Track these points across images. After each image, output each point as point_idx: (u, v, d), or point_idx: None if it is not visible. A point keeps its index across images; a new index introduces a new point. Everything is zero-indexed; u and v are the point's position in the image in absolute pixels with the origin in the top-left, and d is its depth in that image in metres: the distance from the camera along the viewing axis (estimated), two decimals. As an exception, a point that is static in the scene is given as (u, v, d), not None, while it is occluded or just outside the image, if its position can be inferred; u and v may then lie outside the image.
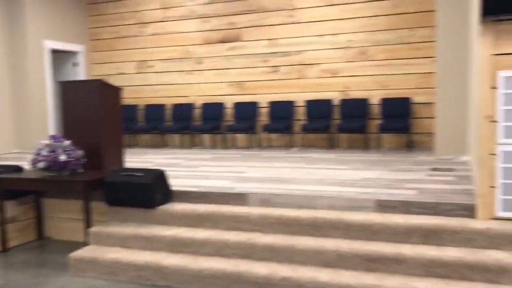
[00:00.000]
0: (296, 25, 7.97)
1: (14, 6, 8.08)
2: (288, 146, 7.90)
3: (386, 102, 7.40)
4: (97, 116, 4.65)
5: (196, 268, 3.54)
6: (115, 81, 9.22)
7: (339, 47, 7.73)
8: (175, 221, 4.10)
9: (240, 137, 8.42)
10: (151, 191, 4.12)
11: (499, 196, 3.40)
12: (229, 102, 8.49)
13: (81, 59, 9.21)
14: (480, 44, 3.40)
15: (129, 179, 4.20)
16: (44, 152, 4.31)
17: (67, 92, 4.75)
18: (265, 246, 3.59)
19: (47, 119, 8.47)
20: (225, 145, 8.36)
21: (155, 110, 8.85)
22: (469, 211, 3.53)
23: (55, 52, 8.96)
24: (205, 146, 8.52)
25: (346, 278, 3.22)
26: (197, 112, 8.68)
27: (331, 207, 3.88)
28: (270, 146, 8.16)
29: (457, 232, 3.35)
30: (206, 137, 8.64)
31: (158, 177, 4.21)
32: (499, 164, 3.39)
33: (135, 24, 9.07)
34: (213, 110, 8.49)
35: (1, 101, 8.03)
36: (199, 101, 8.69)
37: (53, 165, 4.27)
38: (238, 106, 8.33)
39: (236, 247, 3.67)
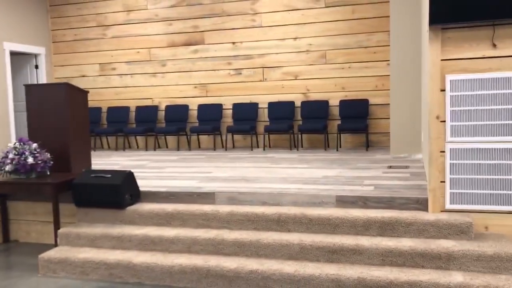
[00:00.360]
0: (258, 29, 8.19)
1: (-29, 7, 7.93)
2: (252, 147, 8.09)
3: (345, 104, 7.72)
4: (64, 119, 4.69)
5: (167, 264, 3.67)
6: (78, 84, 9.16)
7: (300, 50, 7.99)
8: (145, 220, 4.21)
9: (205, 139, 8.56)
10: (120, 192, 4.22)
11: (447, 190, 3.71)
12: (193, 104, 8.61)
13: (42, 62, 9.10)
14: (430, 49, 3.70)
15: (98, 180, 4.28)
16: (11, 155, 4.32)
17: (33, 95, 4.77)
18: (233, 241, 3.76)
19: (8, 122, 8.33)
20: (190, 147, 8.48)
21: (118, 113, 8.85)
22: (421, 204, 3.82)
23: (15, 54, 8.82)
24: (169, 148, 8.61)
25: (310, 269, 3.43)
26: (161, 114, 8.76)
27: (294, 204, 4.10)
28: (234, 147, 8.33)
29: (411, 223, 3.62)
30: (171, 139, 8.73)
31: (127, 178, 4.31)
32: (448, 161, 3.69)
33: (97, 26, 9.05)
34: (177, 112, 8.59)
35: (-41, 104, 7.86)
36: (163, 103, 8.77)
37: (20, 168, 4.30)
38: (202, 108, 8.47)
39: (205, 243, 3.82)
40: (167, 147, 8.73)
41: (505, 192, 3.57)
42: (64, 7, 9.20)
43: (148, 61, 8.81)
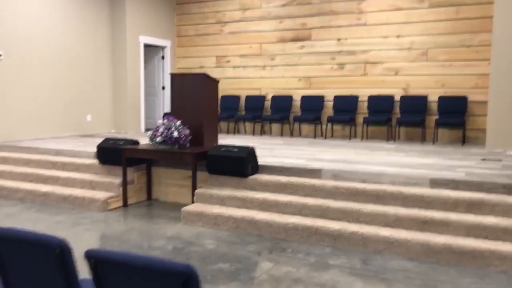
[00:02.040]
0: (363, 27, 8.78)
1: (116, 3, 9.41)
2: (350, 137, 8.75)
3: (444, 100, 8.09)
4: (200, 102, 5.74)
5: (282, 222, 4.54)
6: (196, 73, 10.40)
7: (402, 48, 8.48)
8: (263, 187, 5.12)
9: (306, 127, 9.36)
10: (245, 163, 5.16)
11: (534, 178, 4.16)
12: (297, 95, 9.44)
13: (167, 53, 10.45)
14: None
15: (228, 153, 5.26)
16: (161, 129, 5.45)
17: (177, 82, 5.88)
18: (337, 209, 4.54)
19: (140, 104, 9.78)
20: (292, 134, 9.33)
21: (230, 101, 9.94)
22: (507, 189, 4.31)
23: (147, 46, 10.24)
24: (273, 135, 9.53)
25: (403, 234, 4.11)
26: (267, 104, 9.70)
27: (392, 183, 4.76)
28: (333, 137, 9.04)
29: (496, 204, 4.14)
30: (275, 126, 9.65)
31: (250, 153, 5.24)
32: (535, 152, 4.14)
33: (216, 23, 10.19)
34: (282, 102, 9.48)
35: (104, 89, 9.41)
36: (270, 94, 9.70)
37: (168, 139, 5.41)
38: (305, 99, 9.27)
39: (314, 208, 4.63)
40: (270, 133, 9.67)
41: None
42: (188, 5, 10.46)
43: (259, 55, 9.79)
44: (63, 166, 6.39)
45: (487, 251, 3.77)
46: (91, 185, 5.90)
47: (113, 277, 1.73)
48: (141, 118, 9.86)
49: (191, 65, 10.55)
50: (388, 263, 3.88)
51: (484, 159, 5.94)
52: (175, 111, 5.86)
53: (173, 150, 5.42)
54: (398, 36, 8.51)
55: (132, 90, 9.59)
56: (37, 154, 6.91)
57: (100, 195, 5.62)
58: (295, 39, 9.41)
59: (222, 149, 5.35)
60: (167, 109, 10.49)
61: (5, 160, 6.84)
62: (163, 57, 10.45)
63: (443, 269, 3.76)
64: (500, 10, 6.79)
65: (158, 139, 5.44)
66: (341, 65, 9.03)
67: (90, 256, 1.74)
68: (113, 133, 9.34)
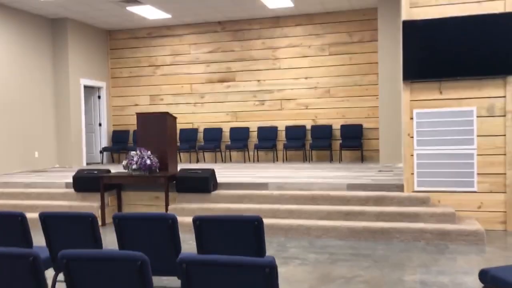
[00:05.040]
0: (278, 70, 10.69)
1: (59, 50, 10.33)
2: (274, 160, 10.47)
3: (345, 128, 10.19)
4: (163, 135, 7.05)
5: (245, 223, 5.99)
6: (131, 111, 11.53)
7: (310, 87, 10.49)
8: (224, 199, 6.54)
9: (235, 154, 10.93)
10: (208, 182, 6.56)
11: (415, 178, 6.12)
12: (226, 127, 11.00)
13: (103, 93, 11.47)
14: (403, 94, 6.17)
15: (194, 174, 6.62)
16: (135, 158, 6.65)
17: (142, 119, 7.13)
18: (285, 209, 6.11)
19: (82, 141, 10.64)
20: (225, 160, 10.84)
21: (166, 134, 11.18)
22: (399, 188, 6.23)
23: (85, 87, 11.18)
24: (207, 162, 10.95)
25: (333, 223, 5.78)
26: (200, 135, 11.12)
27: (320, 189, 6.48)
28: (259, 161, 10.71)
29: (394, 198, 6.02)
30: (208, 155, 11.08)
31: (212, 173, 6.66)
32: (415, 160, 6.12)
33: (149, 66, 11.48)
34: (213, 134, 10.97)
35: (48, 127, 10.17)
36: (202, 127, 11.15)
37: (142, 167, 6.63)
38: (233, 130, 10.87)
39: (267, 211, 6.16)
40: (204, 161, 11.07)
41: (448, 179, 6.00)
42: (121, 50, 11.64)
43: (190, 94, 11.24)
44: (38, 196, 7.23)
45: (390, 229, 5.58)
46: (71, 210, 6.85)
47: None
48: (83, 153, 10.71)
49: (125, 103, 11.66)
50: (326, 243, 5.52)
51: (380, 171, 7.96)
52: (142, 143, 7.09)
53: (146, 175, 6.65)
54: (306, 78, 10.53)
55: (74, 127, 10.46)
56: (6, 187, 7.62)
57: (83, 217, 6.60)
58: (221, 80, 11.04)
59: (188, 172, 6.71)
60: (104, 144, 11.43)
61: (-25, 195, 7.45)
62: (99, 97, 11.44)
63: (364, 243, 5.48)
64: (381, 57, 9.05)
65: (134, 166, 6.63)
66: (262, 102, 10.81)
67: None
68: (57, 168, 10.09)
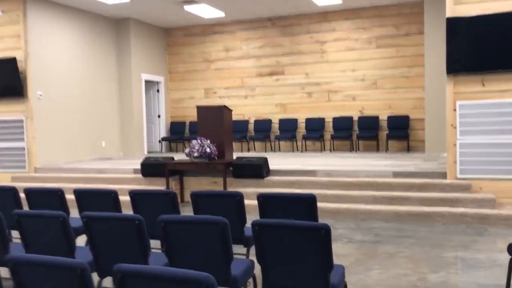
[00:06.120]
0: (325, 64, 11.12)
1: (122, 48, 11.21)
2: (321, 150, 10.95)
3: (391, 119, 10.51)
4: (221, 125, 7.70)
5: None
6: (187, 104, 12.32)
7: (357, 79, 10.87)
8: (276, 185, 7.13)
9: (283, 144, 11.49)
10: (261, 169, 7.16)
11: (458, 166, 6.47)
12: (275, 118, 11.57)
13: (162, 87, 12.30)
14: (447, 86, 6.51)
15: (248, 162, 7.24)
16: (196, 147, 7.35)
17: (201, 112, 7.80)
18: (332, 195, 6.62)
19: (143, 130, 11.53)
20: (274, 149, 11.42)
21: (219, 125, 11.89)
22: (443, 175, 6.59)
23: (146, 82, 12.04)
24: (257, 151, 11.57)
25: (379, 207, 6.24)
26: (250, 126, 11.75)
27: (367, 176, 6.93)
28: (306, 151, 11.22)
29: (437, 184, 6.40)
30: (258, 144, 11.70)
31: (265, 161, 7.25)
32: (458, 150, 6.46)
33: (203, 61, 12.20)
34: (263, 125, 11.57)
35: (113, 119, 11.10)
36: (252, 118, 11.78)
37: (203, 154, 7.31)
38: (282, 121, 11.42)
39: (316, 196, 6.67)
40: (255, 150, 11.70)
41: (489, 167, 6.31)
42: (177, 47, 12.41)
43: (241, 87, 11.87)
44: (110, 180, 8.08)
45: (432, 212, 5.98)
46: (140, 193, 7.63)
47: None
48: (144, 142, 11.60)
49: (182, 96, 12.45)
50: (372, 225, 6.00)
51: (425, 160, 8.29)
52: (202, 133, 7.77)
53: (206, 162, 7.33)
54: (353, 70, 10.90)
55: (137, 119, 11.34)
56: (82, 173, 8.55)
57: (150, 199, 7.38)
58: (271, 74, 11.60)
59: (243, 159, 7.34)
60: (163, 134, 12.28)
61: (55, 179, 8.41)
62: (158, 90, 12.28)
63: (407, 226, 5.93)
64: (428, 50, 9.31)
65: (195, 154, 7.33)
66: (309, 94, 11.28)
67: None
68: (121, 156, 11.01)
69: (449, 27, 6.34)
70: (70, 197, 4.75)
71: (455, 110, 6.46)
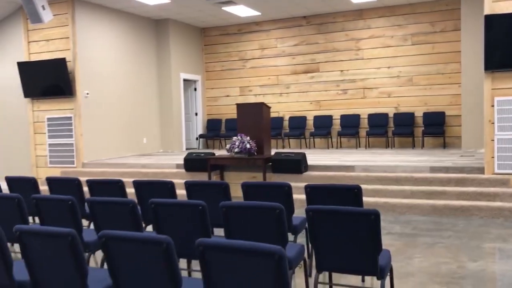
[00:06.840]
0: (360, 61, 11.25)
1: (162, 47, 11.63)
2: (356, 146, 11.10)
3: (427, 115, 10.56)
4: (260, 122, 7.97)
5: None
6: (223, 102, 12.66)
7: (392, 76, 10.96)
8: (314, 180, 7.35)
9: (318, 141, 11.69)
10: (300, 164, 7.40)
11: (495, 161, 6.55)
12: (310, 115, 11.77)
13: (199, 85, 12.68)
14: (485, 82, 6.59)
15: (287, 157, 7.49)
16: (237, 143, 7.64)
17: (240, 109, 8.09)
18: (371, 189, 6.80)
19: (181, 129, 11.93)
20: (309, 147, 11.64)
21: (255, 122, 12.17)
22: (480, 170, 6.68)
23: (183, 80, 12.44)
24: (292, 147, 11.80)
25: (417, 201, 6.39)
26: (285, 123, 11.99)
27: (404, 171, 7.08)
28: (341, 147, 11.38)
29: (474, 179, 6.50)
30: (293, 141, 11.94)
31: (303, 156, 7.49)
32: (495, 145, 6.54)
33: (239, 60, 12.51)
34: (298, 122, 11.79)
35: (153, 116, 11.54)
36: (287, 115, 12.01)
37: (243, 150, 7.61)
38: (317, 118, 11.61)
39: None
40: (290, 147, 11.94)
41: (529, 162, 6.38)
42: (214, 46, 12.76)
43: (276, 85, 12.12)
44: (154, 175, 8.47)
45: (470, 206, 6.10)
46: (183, 187, 7.99)
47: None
48: (183, 139, 12.00)
49: (218, 94, 12.79)
50: (409, 218, 6.16)
51: (462, 155, 8.36)
52: (241, 130, 8.06)
53: (246, 157, 7.62)
54: (388, 67, 11.00)
55: (176, 117, 11.75)
56: (126, 168, 8.98)
57: (193, 192, 7.72)
58: (306, 71, 11.80)
59: (282, 155, 7.59)
60: (200, 131, 12.66)
61: (103, 174, 8.86)
62: (195, 89, 12.67)
63: (445, 219, 6.06)
64: (464, 46, 9.34)
65: (236, 149, 7.63)
66: (344, 91, 11.44)
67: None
68: (162, 152, 11.44)
69: (487, 24, 6.43)
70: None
71: (493, 106, 6.54)
